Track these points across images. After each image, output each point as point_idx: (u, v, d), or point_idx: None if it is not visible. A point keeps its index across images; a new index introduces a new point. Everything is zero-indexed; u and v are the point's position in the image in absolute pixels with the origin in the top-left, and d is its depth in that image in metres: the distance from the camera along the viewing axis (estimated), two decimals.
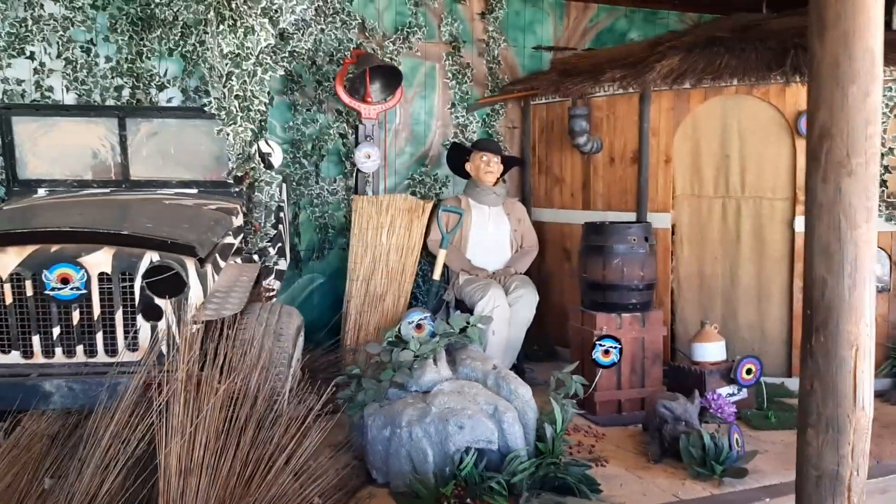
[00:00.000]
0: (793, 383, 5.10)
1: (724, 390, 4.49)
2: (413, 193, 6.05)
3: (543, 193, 6.29)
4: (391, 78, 5.50)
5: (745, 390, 4.60)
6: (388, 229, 5.26)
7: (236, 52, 3.72)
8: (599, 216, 5.66)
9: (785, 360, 5.23)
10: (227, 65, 3.73)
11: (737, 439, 3.75)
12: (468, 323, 4.04)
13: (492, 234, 5.52)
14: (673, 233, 5.48)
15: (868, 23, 1.85)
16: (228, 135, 4.01)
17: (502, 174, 5.69)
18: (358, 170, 5.46)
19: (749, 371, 4.60)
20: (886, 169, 5.12)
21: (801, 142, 5.07)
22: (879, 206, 5.07)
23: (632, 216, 5.52)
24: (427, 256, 5.64)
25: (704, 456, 3.63)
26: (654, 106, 5.44)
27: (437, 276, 5.07)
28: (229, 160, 4.21)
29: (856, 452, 1.91)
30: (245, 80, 3.76)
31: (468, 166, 5.60)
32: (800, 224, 5.10)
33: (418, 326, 4.04)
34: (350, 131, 5.76)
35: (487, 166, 5.50)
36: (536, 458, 3.43)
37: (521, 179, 6.46)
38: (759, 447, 3.95)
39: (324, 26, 5.57)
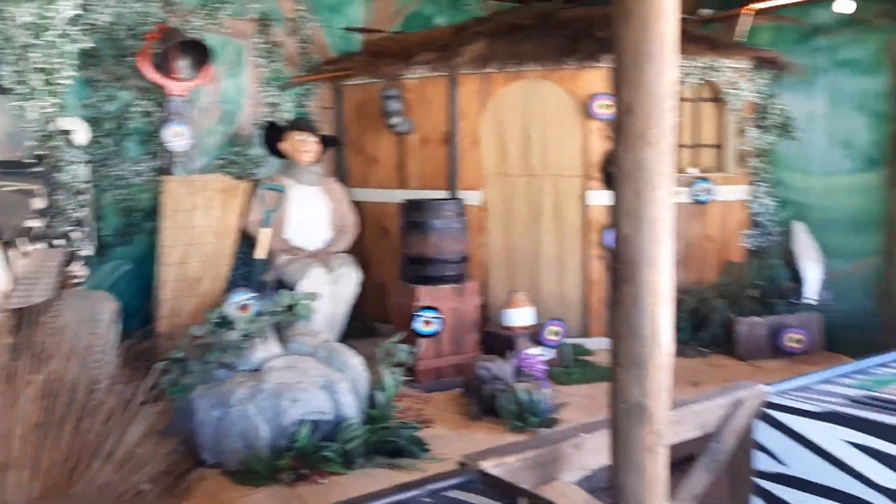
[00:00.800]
0: (591, 343, 5.61)
1: (534, 351, 4.85)
2: (226, 174, 5.89)
3: (359, 173, 6.39)
4: (200, 55, 5.33)
5: (551, 350, 5.00)
6: (202, 211, 5.11)
7: (35, 21, 3.46)
8: (414, 195, 5.84)
9: (583, 323, 5.72)
10: (25, 35, 3.46)
11: (547, 394, 4.09)
12: (294, 300, 4.06)
13: (311, 213, 5.53)
14: (482, 209, 5.79)
15: (662, 13, 2.12)
16: (26, 110, 3.73)
17: (320, 154, 5.71)
18: (167, 149, 5.24)
19: (554, 333, 5.00)
20: None
21: (593, 123, 5.55)
22: None
23: (444, 194, 5.76)
24: (245, 238, 5.54)
25: (520, 410, 3.94)
26: (462, 89, 5.70)
27: (259, 255, 5.02)
28: (28, 138, 3.91)
29: (658, 386, 2.20)
30: (47, 53, 3.51)
31: (284, 146, 5.57)
32: (593, 198, 5.60)
33: (243, 307, 4.01)
34: (156, 109, 5.50)
35: (304, 146, 5.50)
36: (369, 424, 3.55)
37: (337, 160, 6.51)
38: (566, 400, 4.33)
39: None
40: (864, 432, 2.62)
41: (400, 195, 5.81)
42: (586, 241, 5.69)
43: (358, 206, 6.22)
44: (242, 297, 3.98)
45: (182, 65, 5.31)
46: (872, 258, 5.54)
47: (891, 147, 5.36)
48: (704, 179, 5.79)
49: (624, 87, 2.16)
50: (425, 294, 4.84)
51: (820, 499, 2.76)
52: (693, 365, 5.25)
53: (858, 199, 5.60)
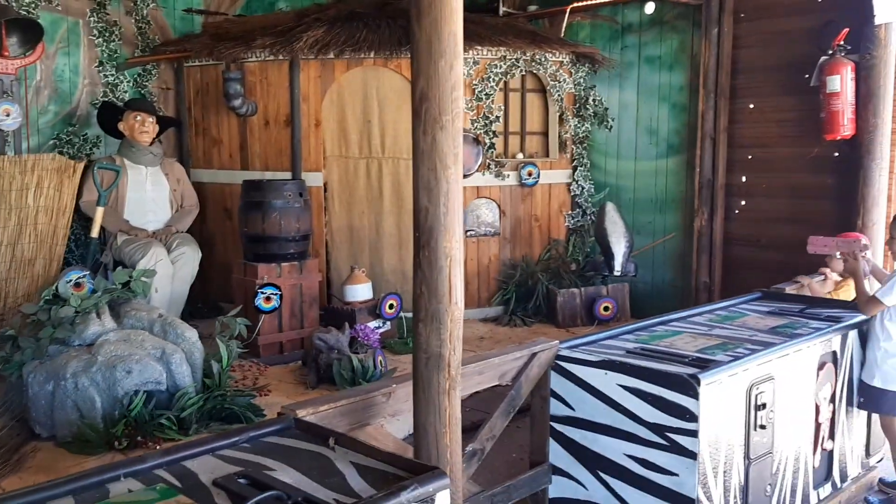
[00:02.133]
0: None
1: (372, 324, 5.15)
2: (60, 153, 5.77)
3: (202, 154, 6.44)
4: (30, 32, 5.22)
5: (388, 323, 5.32)
6: (34, 190, 5.05)
7: None
8: (258, 176, 5.98)
9: None
10: None
11: (381, 361, 4.41)
12: (131, 277, 4.15)
13: (150, 194, 5.56)
14: (325, 190, 6.02)
15: (452, 12, 2.44)
16: None
17: (158, 135, 5.73)
18: None
19: (391, 306, 5.33)
20: (495, 133, 6.17)
21: None
22: (490, 164, 6.13)
23: (288, 175, 5.93)
24: (80, 219, 5.50)
25: (354, 376, 4.23)
26: (304, 73, 5.89)
27: (94, 234, 5.02)
28: None
29: (453, 337, 2.53)
30: None
31: (122, 126, 5.55)
32: None
33: (77, 285, 4.05)
34: None
35: (142, 126, 5.51)
36: (205, 392, 3.73)
37: (179, 140, 6.52)
38: (399, 367, 4.66)
39: None
40: (632, 376, 3.09)
41: (243, 176, 5.92)
42: None
43: (201, 187, 6.28)
44: (76, 274, 4.02)
45: (12, 42, 5.17)
46: (673, 234, 6.24)
47: (688, 135, 6.05)
48: (531, 164, 6.29)
49: (420, 78, 2.48)
50: (265, 272, 5.02)
51: (600, 436, 3.22)
52: (518, 333, 5.74)
53: (662, 182, 6.28)
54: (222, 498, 1.98)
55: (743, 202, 5.74)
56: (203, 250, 5.58)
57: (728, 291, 5.40)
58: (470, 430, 3.06)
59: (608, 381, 3.19)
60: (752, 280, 5.19)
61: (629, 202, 6.47)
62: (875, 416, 3.96)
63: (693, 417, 2.91)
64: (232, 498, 1.95)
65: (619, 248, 5.87)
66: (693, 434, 2.91)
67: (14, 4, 5.46)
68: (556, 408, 3.39)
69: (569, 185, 6.58)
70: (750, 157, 5.67)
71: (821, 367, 3.60)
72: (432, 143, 2.47)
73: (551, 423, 3.41)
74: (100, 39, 6.01)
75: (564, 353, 3.36)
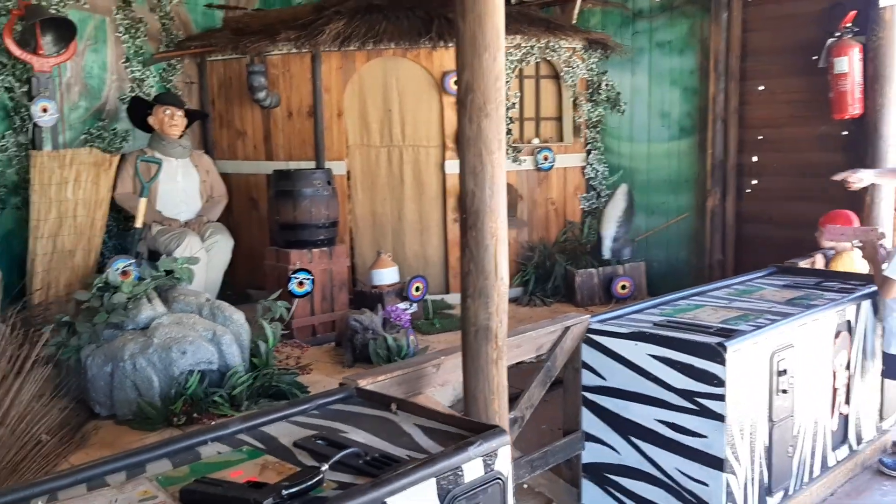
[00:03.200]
0: (451, 298, 6.19)
1: (400, 306, 5.35)
2: (92, 147, 5.97)
3: (226, 146, 6.62)
4: (63, 30, 5.39)
5: (415, 305, 5.52)
6: (73, 184, 5.23)
7: None
8: (282, 166, 6.17)
9: (443, 280, 6.29)
10: None
11: (413, 340, 4.62)
12: (175, 265, 4.35)
13: (181, 185, 5.74)
14: (348, 178, 6.21)
15: (495, 7, 2.63)
16: None
17: (186, 127, 5.91)
18: (35, 124, 5.30)
19: (417, 289, 5.53)
20: (511, 119, 6.35)
21: (448, 98, 6.09)
22: (507, 150, 6.30)
23: (311, 165, 6.12)
24: (114, 211, 5.69)
25: (389, 354, 4.44)
26: (325, 65, 6.06)
27: (139, 224, 5.20)
28: None
29: (499, 310, 2.73)
30: None
31: (151, 120, 5.72)
32: (450, 167, 6.15)
33: (124, 273, 4.25)
34: (17, 84, 5.51)
35: (172, 120, 5.68)
36: (253, 372, 3.93)
37: (202, 134, 6.70)
38: (427, 345, 4.87)
39: None
40: (661, 346, 3.29)
41: (268, 167, 6.12)
42: (445, 206, 6.25)
43: (226, 178, 6.44)
44: (123, 263, 4.22)
45: (46, 41, 5.35)
46: (686, 214, 6.43)
47: (699, 117, 6.23)
48: (546, 148, 6.47)
49: (465, 71, 2.66)
50: (297, 257, 5.22)
51: (631, 403, 3.42)
52: (539, 313, 5.94)
53: (675, 163, 6.47)
54: (304, 457, 2.18)
55: (754, 181, 5.92)
56: (232, 237, 5.76)
57: (741, 268, 5.59)
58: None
59: (638, 352, 3.39)
60: (764, 257, 5.37)
61: (643, 184, 6.65)
62: (889, 382, 4.16)
63: (721, 383, 3.11)
64: (314, 457, 2.15)
65: (609, 231, 6.08)
66: (721, 398, 3.12)
67: (44, 3, 5.63)
68: (587, 378, 3.59)
69: (583, 168, 6.77)
70: (760, 137, 5.85)
71: (837, 335, 3.81)
72: (478, 131, 2.65)
73: (583, 393, 3.62)
74: (126, 36, 6.19)
75: (595, 326, 3.56)
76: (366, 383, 2.71)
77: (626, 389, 3.44)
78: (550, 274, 6.34)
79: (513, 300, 6.35)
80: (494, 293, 2.72)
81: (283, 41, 5.95)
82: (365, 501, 1.86)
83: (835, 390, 3.83)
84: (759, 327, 3.40)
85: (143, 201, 5.15)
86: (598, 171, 6.76)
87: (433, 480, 2.02)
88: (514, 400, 3.40)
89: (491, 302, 2.72)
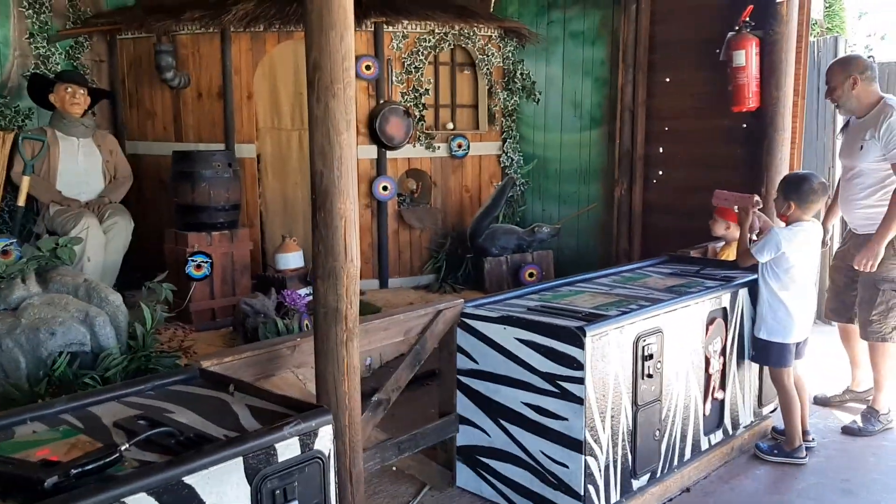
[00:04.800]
0: (363, 284, 6.15)
1: (302, 291, 5.31)
2: None
3: (136, 126, 6.50)
4: None
5: None
6: None
7: None
8: (192, 147, 6.08)
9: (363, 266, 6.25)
10: None
11: (307, 324, 4.59)
12: (57, 245, 4.25)
13: (82, 165, 5.61)
14: (258, 161, 6.14)
15: None
16: None
17: (91, 107, 5.78)
18: None
19: None
20: (425, 106, 6.34)
21: (360, 83, 6.06)
22: (420, 137, 6.30)
23: (221, 147, 6.04)
24: (13, 190, 5.54)
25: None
26: (235, 46, 5.98)
27: (21, 202, 5.08)
28: None
29: (349, 292, 2.72)
30: None
31: (52, 98, 5.58)
32: (361, 152, 6.11)
33: (4, 252, 4.14)
34: None
35: (73, 98, 5.55)
36: (129, 354, 3.87)
37: (113, 113, 6.56)
38: None
39: None
40: (527, 330, 3.32)
41: (177, 148, 6.01)
42: (357, 191, 6.20)
43: (136, 158, 6.35)
44: (3, 242, 4.11)
45: None
46: (595, 203, 6.50)
47: (608, 108, 6.29)
48: (461, 136, 6.48)
49: (313, 49, 2.64)
50: (196, 240, 5.15)
51: (501, 386, 3.45)
52: (447, 299, 5.92)
53: (586, 153, 6.53)
54: (120, 436, 2.15)
55: (660, 172, 6.00)
56: (139, 221, 5.66)
57: (646, 257, 5.65)
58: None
59: (507, 336, 3.41)
60: (670, 246, 5.44)
61: (555, 173, 6.71)
62: (766, 369, 4.27)
63: (580, 366, 3.15)
64: (128, 436, 2.12)
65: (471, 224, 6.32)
66: (581, 381, 3.16)
67: None
68: (462, 362, 3.61)
69: (499, 156, 6.80)
70: (667, 128, 5.93)
71: (710, 321, 3.88)
72: (325, 111, 2.64)
73: (458, 377, 3.64)
74: (30, 11, 6.02)
75: (469, 310, 3.58)
76: (210, 364, 2.69)
77: (497, 373, 3.47)
78: (462, 261, 6.36)
79: (424, 287, 6.37)
80: (344, 275, 2.71)
81: (189, 21, 5.85)
82: (160, 479, 1.84)
83: (709, 376, 3.91)
84: (625, 312, 3.45)
85: (25, 179, 5.02)
86: (513, 159, 6.79)
87: (240, 459, 2.01)
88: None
89: (340, 283, 2.71)
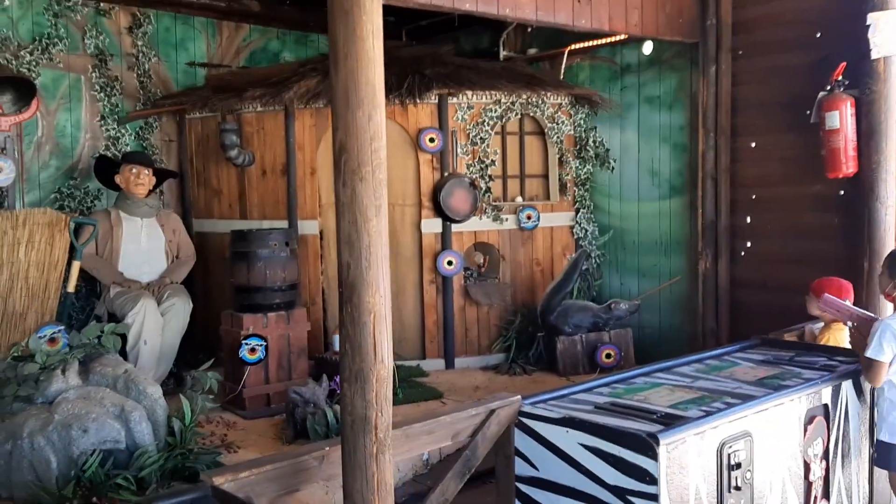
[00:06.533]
0: (426, 364, 5.86)
1: None
2: (61, 207, 5.87)
3: (203, 204, 6.47)
4: (24, 89, 5.33)
5: None
6: (25, 245, 5.09)
7: None
8: (256, 225, 5.98)
9: (420, 345, 5.97)
10: None
11: None
12: (102, 332, 4.12)
13: (145, 245, 5.58)
14: (321, 238, 5.98)
15: (369, 62, 2.36)
16: None
17: (155, 186, 5.78)
18: None
19: None
20: (491, 178, 6.08)
21: (424, 155, 5.86)
22: (486, 209, 6.02)
23: (285, 224, 5.91)
24: (81, 272, 5.53)
25: (328, 431, 4.11)
26: (298, 122, 5.90)
27: (71, 288, 5.03)
28: None
29: (379, 397, 2.41)
30: None
31: (118, 179, 5.60)
32: (426, 226, 5.89)
33: (52, 340, 4.04)
34: None
35: (137, 178, 5.55)
36: (167, 451, 3.64)
37: (181, 191, 6.57)
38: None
39: None
40: (592, 435, 2.91)
41: (242, 226, 5.92)
42: (421, 266, 5.96)
43: (203, 237, 6.31)
44: (50, 329, 4.01)
45: (5, 100, 5.28)
46: (678, 277, 6.01)
47: (689, 175, 5.86)
48: (530, 207, 6.16)
49: (339, 129, 2.40)
50: (251, 322, 4.96)
51: (563, 498, 3.03)
52: (517, 382, 5.56)
53: (666, 224, 6.08)
54: None
55: (748, 244, 5.51)
56: (205, 300, 5.56)
57: (736, 337, 5.16)
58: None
59: (570, 440, 3.00)
60: (760, 325, 4.93)
61: (633, 245, 6.28)
62: (880, 472, 3.68)
63: (653, 480, 2.71)
64: None
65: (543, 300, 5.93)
66: (653, 498, 2.71)
67: (14, 62, 5.61)
68: (521, 468, 3.21)
69: (571, 227, 6.43)
70: (754, 196, 5.46)
71: (809, 421, 3.36)
72: (352, 196, 2.38)
73: (517, 484, 3.23)
74: (101, 94, 6.13)
75: (527, 409, 3.20)
76: (223, 481, 2.39)
77: (559, 483, 3.05)
78: (533, 340, 5.97)
79: (493, 367, 5.99)
80: (373, 378, 2.40)
81: (251, 99, 5.81)
82: None
83: (810, 484, 3.37)
84: (708, 414, 3.00)
85: (75, 264, 4.98)
86: (587, 230, 6.41)
87: None
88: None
89: (369, 388, 2.40)
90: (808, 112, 5.01)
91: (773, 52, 5.30)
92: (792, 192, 5.23)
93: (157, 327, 5.14)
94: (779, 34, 5.25)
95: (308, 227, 5.92)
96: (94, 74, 6.09)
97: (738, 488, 2.98)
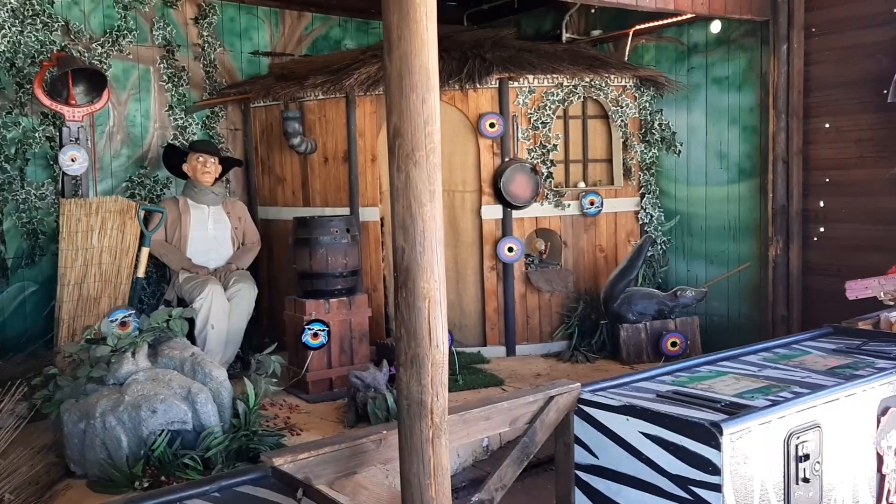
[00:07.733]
0: (487, 351, 5.84)
1: None
2: (132, 196, 6.06)
3: (268, 192, 6.58)
4: (96, 80, 5.49)
5: None
6: (98, 232, 5.26)
7: None
8: (318, 212, 6.05)
9: (480, 332, 5.95)
10: None
11: None
12: (170, 316, 4.23)
13: (212, 232, 5.70)
14: (382, 224, 6.01)
15: (423, 45, 2.35)
16: None
17: (221, 174, 5.90)
18: (64, 173, 5.39)
19: None
20: (552, 162, 6.00)
21: (484, 141, 5.82)
22: (548, 195, 5.95)
23: (346, 211, 5.96)
24: (150, 258, 5.70)
25: (388, 415, 4.14)
26: (360, 110, 5.93)
27: (140, 273, 5.18)
28: None
29: (434, 382, 2.40)
30: None
31: (185, 167, 5.74)
32: (486, 212, 5.85)
33: (123, 324, 4.16)
34: (57, 134, 5.65)
35: (204, 167, 5.67)
36: (232, 433, 3.72)
37: (246, 179, 6.70)
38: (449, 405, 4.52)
39: (21, 28, 5.46)
40: (653, 423, 2.85)
41: (305, 213, 5.99)
42: (482, 253, 5.93)
43: (267, 224, 6.42)
44: (121, 314, 4.13)
45: (78, 91, 5.46)
46: (748, 264, 5.83)
47: (759, 158, 5.67)
48: (593, 192, 6.06)
49: (393, 113, 2.38)
50: (313, 308, 5.02)
51: (624, 487, 2.98)
52: (578, 370, 5.49)
53: (734, 208, 5.90)
54: None
55: (821, 229, 5.30)
56: (269, 287, 5.65)
57: (808, 325, 4.99)
58: None
59: (630, 428, 2.95)
60: (834, 313, 4.74)
61: (700, 230, 6.12)
62: None
63: (716, 470, 2.64)
64: None
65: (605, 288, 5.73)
66: (717, 489, 2.64)
67: (87, 54, 5.79)
68: (580, 455, 3.17)
69: (636, 213, 6.30)
70: (827, 179, 5.24)
71: (883, 412, 3.22)
72: (406, 181, 2.37)
73: (576, 472, 3.19)
74: (169, 84, 6.28)
75: (586, 396, 3.15)
76: (283, 462, 2.43)
77: (619, 471, 3.00)
78: (596, 327, 5.88)
79: (555, 355, 5.94)
80: (428, 362, 2.39)
81: (312, 87, 5.86)
82: None
83: (882, 477, 3.23)
84: (774, 403, 2.90)
85: (144, 251, 5.12)
86: (652, 215, 6.27)
87: None
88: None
89: (424, 373, 2.39)
90: (886, 91, 4.78)
91: (848, 30, 5.07)
92: (868, 174, 5.01)
93: (224, 312, 5.25)
94: (855, 11, 5.02)
95: (369, 214, 5.95)
96: (162, 65, 6.25)
97: (806, 480, 2.87)
